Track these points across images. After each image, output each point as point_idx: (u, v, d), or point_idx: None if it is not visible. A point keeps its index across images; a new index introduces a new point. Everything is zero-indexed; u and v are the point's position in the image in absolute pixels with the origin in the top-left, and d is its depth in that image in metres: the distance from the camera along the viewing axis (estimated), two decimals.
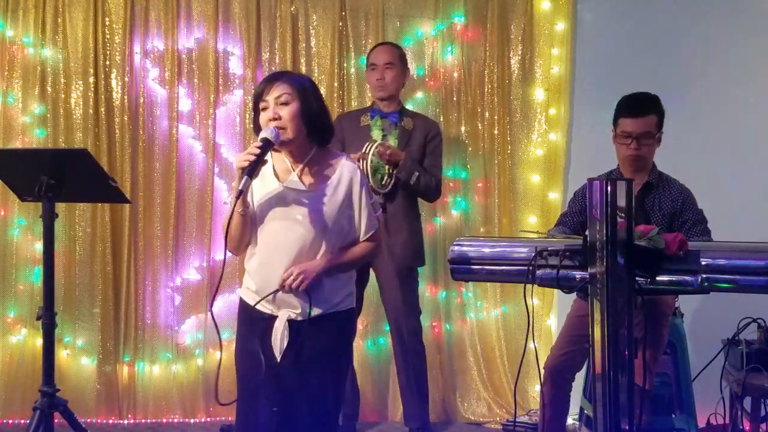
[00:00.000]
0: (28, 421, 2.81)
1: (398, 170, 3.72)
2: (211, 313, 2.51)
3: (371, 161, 3.67)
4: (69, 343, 4.25)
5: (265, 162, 2.40)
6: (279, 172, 2.50)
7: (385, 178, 3.75)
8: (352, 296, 2.60)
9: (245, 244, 2.51)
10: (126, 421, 4.24)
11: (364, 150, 3.66)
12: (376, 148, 3.67)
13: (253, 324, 2.51)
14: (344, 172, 2.52)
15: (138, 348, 4.26)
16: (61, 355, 4.18)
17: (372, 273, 3.92)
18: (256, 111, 2.50)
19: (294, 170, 2.50)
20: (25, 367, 4.20)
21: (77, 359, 4.26)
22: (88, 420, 4.14)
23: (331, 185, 2.49)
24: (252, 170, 2.34)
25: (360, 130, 3.84)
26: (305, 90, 2.48)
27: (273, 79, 2.49)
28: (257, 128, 2.50)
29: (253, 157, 2.33)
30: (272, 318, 2.48)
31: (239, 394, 2.56)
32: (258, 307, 2.49)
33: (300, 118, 2.44)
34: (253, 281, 2.51)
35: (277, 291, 2.43)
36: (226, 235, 2.40)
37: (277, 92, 2.44)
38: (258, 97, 2.48)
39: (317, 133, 2.51)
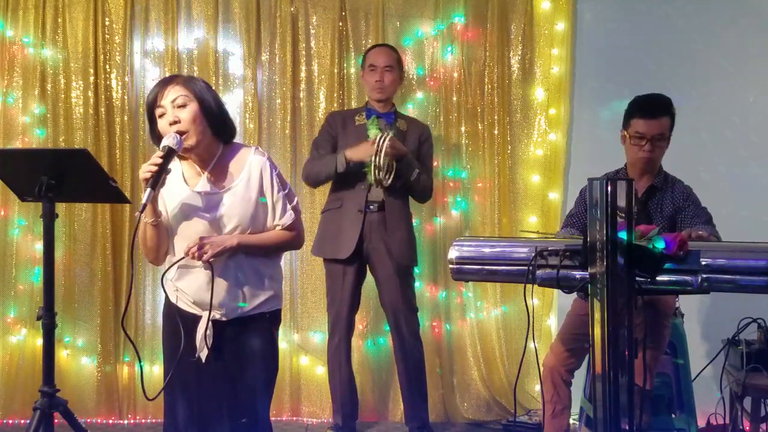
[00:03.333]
0: (28, 421, 2.80)
1: (401, 165, 3.69)
2: (123, 328, 2.65)
3: (383, 156, 3.59)
4: (69, 343, 4.25)
5: (169, 171, 2.30)
6: (188, 178, 2.46)
7: (386, 172, 3.66)
8: (278, 299, 2.56)
9: (164, 254, 2.47)
10: (126, 421, 4.24)
11: (377, 145, 3.57)
12: (388, 141, 3.58)
13: (178, 323, 2.45)
14: (253, 165, 2.46)
15: (138, 348, 4.26)
16: (61, 355, 4.18)
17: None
18: (153, 120, 2.40)
19: (203, 173, 2.44)
20: (25, 367, 4.20)
21: (77, 359, 4.26)
22: (88, 420, 4.15)
23: (242, 181, 2.44)
24: (156, 182, 2.25)
25: (355, 129, 3.83)
26: (201, 89, 2.41)
27: (165, 83, 2.39)
28: (156, 138, 2.41)
29: (155, 168, 2.24)
30: (197, 318, 2.44)
31: (165, 391, 2.52)
32: (184, 307, 2.46)
33: (202, 118, 2.38)
34: (176, 286, 2.47)
35: (181, 259, 2.37)
36: (138, 248, 2.37)
37: (172, 95, 2.35)
38: (152, 105, 2.38)
39: (221, 132, 2.46)
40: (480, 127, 4.39)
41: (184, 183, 2.45)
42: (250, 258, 2.45)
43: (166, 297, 2.55)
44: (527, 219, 4.40)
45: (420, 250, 4.04)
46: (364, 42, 4.34)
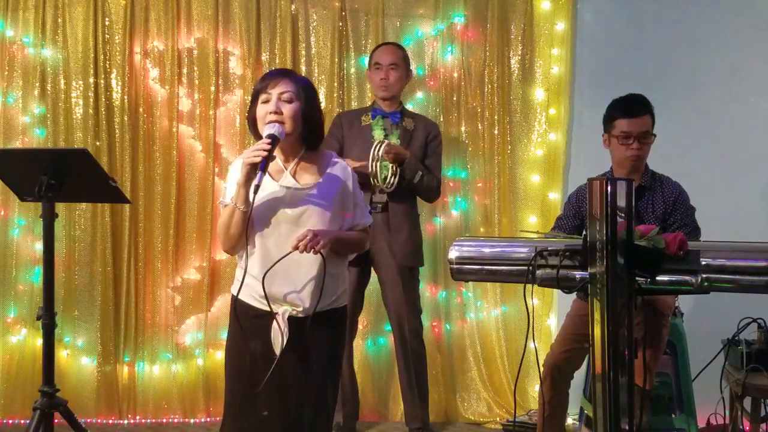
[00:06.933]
0: (28, 421, 2.81)
1: (403, 168, 3.71)
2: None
3: (380, 162, 3.63)
4: (69, 343, 4.25)
5: (273, 158, 2.42)
6: (271, 172, 2.50)
7: (389, 177, 3.71)
8: (346, 294, 2.64)
9: (243, 244, 2.50)
10: (126, 421, 4.23)
11: (372, 153, 3.61)
12: (383, 148, 3.63)
13: (249, 322, 2.50)
14: (335, 169, 2.56)
15: (138, 348, 4.26)
16: (61, 355, 4.18)
17: (372, 273, 3.92)
18: (255, 102, 2.53)
19: (286, 169, 2.52)
20: (25, 367, 4.19)
21: (77, 359, 4.26)
22: (88, 420, 4.14)
23: (325, 182, 2.52)
24: (265, 165, 2.36)
25: (361, 129, 3.84)
26: (308, 92, 2.53)
27: (280, 75, 2.52)
28: (252, 120, 2.53)
29: (264, 153, 2.35)
30: (270, 315, 2.46)
31: (229, 394, 2.56)
32: (256, 305, 2.49)
33: (299, 118, 2.48)
34: (256, 281, 2.47)
35: (289, 253, 2.40)
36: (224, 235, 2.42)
37: (282, 88, 2.47)
38: (261, 89, 2.50)
39: (310, 135, 2.54)
40: (480, 127, 4.39)
41: (269, 176, 2.48)
42: (329, 255, 2.49)
43: (235, 298, 2.53)
44: (527, 219, 4.40)
45: None
46: (364, 42, 4.34)
